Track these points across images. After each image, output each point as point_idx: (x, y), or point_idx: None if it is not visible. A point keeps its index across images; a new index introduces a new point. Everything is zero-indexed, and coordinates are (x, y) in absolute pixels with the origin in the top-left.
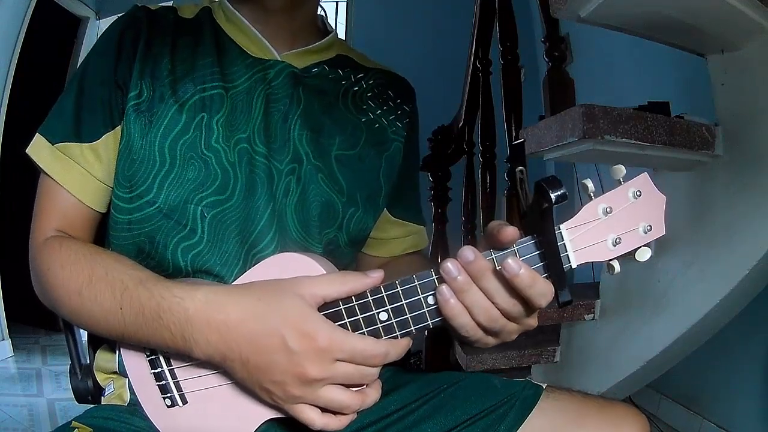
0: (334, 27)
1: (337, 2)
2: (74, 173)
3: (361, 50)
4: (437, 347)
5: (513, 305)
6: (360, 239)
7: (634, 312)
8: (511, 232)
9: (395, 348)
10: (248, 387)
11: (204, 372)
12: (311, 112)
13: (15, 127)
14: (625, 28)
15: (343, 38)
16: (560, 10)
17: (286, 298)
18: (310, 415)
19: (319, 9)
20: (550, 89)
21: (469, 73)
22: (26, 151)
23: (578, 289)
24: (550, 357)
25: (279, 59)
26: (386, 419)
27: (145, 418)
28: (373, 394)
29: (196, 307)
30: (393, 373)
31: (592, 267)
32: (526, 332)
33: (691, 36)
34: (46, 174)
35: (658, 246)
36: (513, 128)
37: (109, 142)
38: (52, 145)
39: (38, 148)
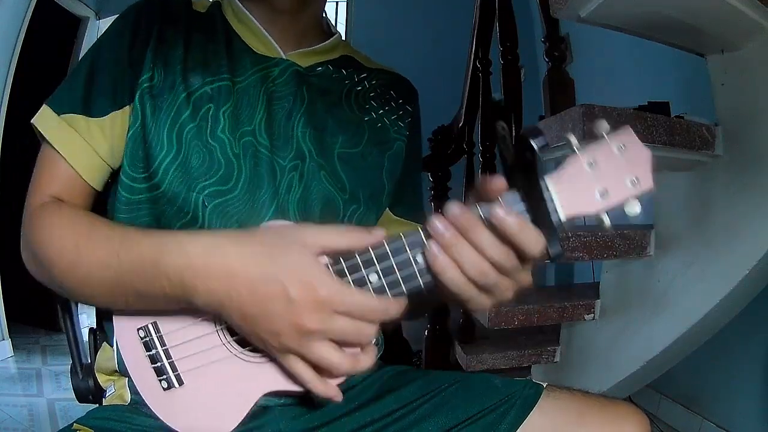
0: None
1: (337, 2)
2: (77, 145)
3: (361, 50)
4: (437, 347)
5: (505, 255)
6: None
7: (634, 312)
8: (497, 181)
9: (394, 305)
10: (243, 334)
11: (198, 348)
12: (314, 110)
13: (15, 127)
14: (625, 28)
15: (344, 38)
16: (560, 10)
17: (289, 246)
18: (300, 367)
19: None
20: (550, 89)
21: (469, 73)
22: (31, 121)
23: (578, 289)
24: (550, 357)
25: (284, 58)
26: (387, 418)
27: (146, 413)
28: (366, 360)
29: (197, 251)
30: (395, 373)
31: (592, 267)
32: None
33: (691, 36)
34: (49, 144)
35: (658, 246)
36: (513, 128)
37: (115, 121)
38: (59, 115)
39: (43, 118)
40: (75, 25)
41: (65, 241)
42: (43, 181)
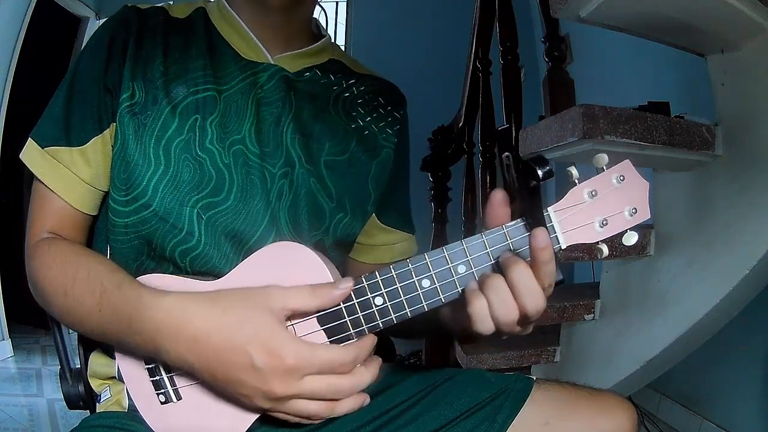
0: (334, 27)
1: (337, 2)
2: (63, 177)
3: (361, 51)
4: (437, 347)
5: (539, 304)
6: (346, 243)
7: (634, 312)
8: (499, 197)
9: (362, 350)
10: (217, 390)
11: None
12: (302, 116)
13: (15, 128)
14: (625, 28)
15: (344, 39)
16: (560, 10)
17: (254, 312)
18: (281, 414)
19: (320, 11)
20: (550, 89)
21: (469, 73)
22: (20, 156)
23: (578, 289)
24: (550, 357)
25: (271, 62)
26: (387, 414)
27: (144, 421)
28: (346, 404)
29: (162, 317)
30: (391, 370)
31: (592, 267)
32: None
33: (691, 36)
34: (37, 178)
35: (658, 246)
36: (513, 128)
37: (97, 146)
38: (42, 149)
39: (30, 153)
40: (75, 25)
41: (57, 285)
42: (38, 216)
